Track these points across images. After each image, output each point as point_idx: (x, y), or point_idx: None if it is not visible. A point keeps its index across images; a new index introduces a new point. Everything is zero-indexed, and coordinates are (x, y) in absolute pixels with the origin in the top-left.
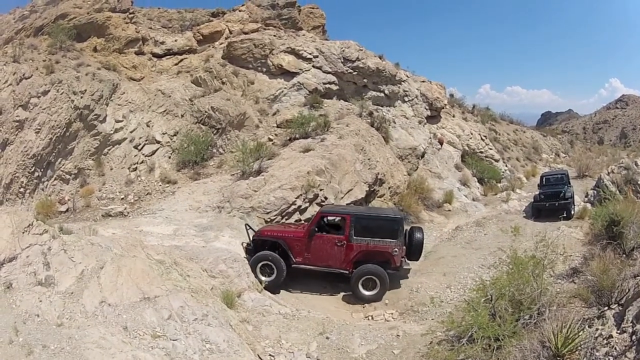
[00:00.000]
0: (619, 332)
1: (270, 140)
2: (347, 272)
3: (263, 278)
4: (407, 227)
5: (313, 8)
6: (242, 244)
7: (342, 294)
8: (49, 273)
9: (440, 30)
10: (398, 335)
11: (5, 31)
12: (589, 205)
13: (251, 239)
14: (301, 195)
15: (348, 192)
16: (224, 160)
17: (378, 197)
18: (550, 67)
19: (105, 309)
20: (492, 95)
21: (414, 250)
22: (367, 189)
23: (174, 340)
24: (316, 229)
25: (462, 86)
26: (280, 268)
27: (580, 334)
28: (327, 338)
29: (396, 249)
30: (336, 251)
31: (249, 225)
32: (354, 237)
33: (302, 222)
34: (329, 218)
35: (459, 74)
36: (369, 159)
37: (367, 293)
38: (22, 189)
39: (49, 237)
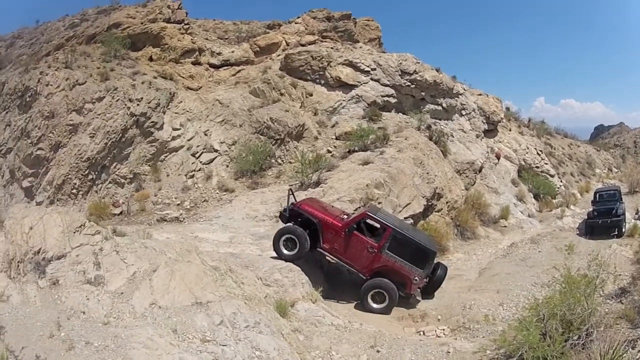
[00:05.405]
0: None
1: (329, 152)
2: (365, 277)
3: (285, 251)
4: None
5: (368, 20)
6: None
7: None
8: (99, 272)
9: (495, 43)
10: (449, 352)
11: (55, 38)
12: (639, 222)
13: (289, 206)
14: (359, 207)
15: (406, 205)
16: (283, 171)
17: (435, 211)
18: (601, 79)
19: (155, 311)
20: (547, 108)
21: (432, 285)
22: (425, 203)
23: (223, 345)
24: (355, 227)
25: (517, 99)
26: (302, 244)
27: (624, 355)
28: (378, 351)
29: (417, 278)
30: (364, 255)
31: (292, 191)
32: (386, 250)
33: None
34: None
35: (514, 86)
36: (427, 173)
37: (374, 305)
38: (74, 190)
39: (101, 238)
